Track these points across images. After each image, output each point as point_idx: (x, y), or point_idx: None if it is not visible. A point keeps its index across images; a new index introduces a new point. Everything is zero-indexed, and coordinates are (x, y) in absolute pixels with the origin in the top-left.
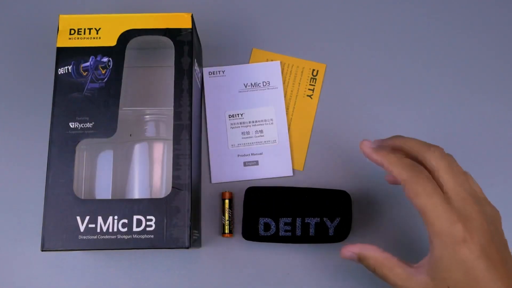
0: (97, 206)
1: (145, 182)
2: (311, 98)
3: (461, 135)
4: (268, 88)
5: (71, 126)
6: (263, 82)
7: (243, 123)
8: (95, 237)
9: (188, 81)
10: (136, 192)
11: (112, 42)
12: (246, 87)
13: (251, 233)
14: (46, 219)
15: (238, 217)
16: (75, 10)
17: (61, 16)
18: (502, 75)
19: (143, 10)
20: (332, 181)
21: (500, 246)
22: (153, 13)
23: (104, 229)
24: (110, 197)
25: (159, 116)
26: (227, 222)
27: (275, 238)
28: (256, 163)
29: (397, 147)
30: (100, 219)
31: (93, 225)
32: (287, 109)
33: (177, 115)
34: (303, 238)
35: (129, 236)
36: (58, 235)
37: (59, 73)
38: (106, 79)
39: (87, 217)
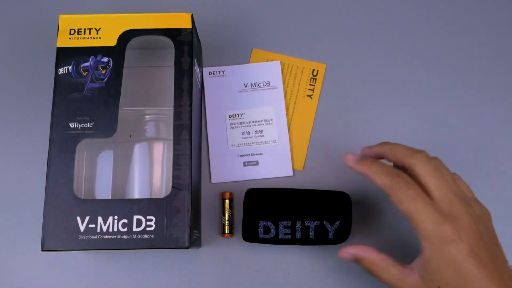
0: (97, 206)
1: (145, 182)
2: (311, 98)
3: (462, 135)
4: (268, 88)
5: (71, 126)
6: (263, 82)
7: (243, 123)
8: (95, 237)
9: (188, 81)
10: (136, 192)
11: (112, 42)
12: (246, 87)
13: (251, 236)
14: (46, 219)
15: (238, 217)
16: (75, 10)
17: (61, 16)
18: (504, 76)
19: (143, 10)
20: (332, 181)
21: (490, 244)
22: (153, 13)
23: (104, 229)
24: (110, 197)
25: (159, 116)
26: (227, 222)
27: (275, 241)
28: (256, 163)
29: (383, 154)
30: (100, 219)
31: (93, 225)
32: (287, 109)
33: (177, 115)
34: (303, 241)
35: (129, 236)
36: (58, 235)
37: (59, 73)
38: (106, 79)
39: (87, 217)
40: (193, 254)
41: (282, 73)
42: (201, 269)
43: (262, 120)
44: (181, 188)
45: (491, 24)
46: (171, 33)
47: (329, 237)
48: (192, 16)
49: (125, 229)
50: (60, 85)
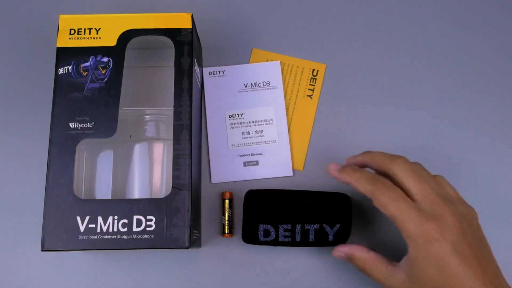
0: (97, 206)
1: (145, 182)
2: (311, 98)
3: (462, 135)
4: (268, 88)
5: (71, 126)
6: (263, 82)
7: (243, 123)
8: (95, 237)
9: (188, 81)
10: (136, 192)
11: (112, 42)
12: (246, 87)
13: (251, 238)
14: (46, 219)
15: (238, 217)
16: (75, 10)
17: (61, 16)
18: (505, 76)
19: (143, 10)
20: (332, 181)
21: (474, 242)
22: (153, 13)
23: (104, 229)
24: (110, 197)
25: (159, 116)
26: (227, 222)
27: (275, 243)
28: (256, 163)
29: (366, 163)
30: (100, 219)
31: (93, 225)
32: (287, 109)
33: (177, 115)
34: (303, 244)
35: (129, 236)
36: (58, 235)
37: (59, 73)
38: (106, 79)
39: (87, 217)
40: (193, 254)
41: (282, 73)
42: (201, 269)
43: (262, 120)
44: (181, 188)
45: (492, 24)
46: (171, 33)
47: (329, 240)
48: (192, 16)
49: (125, 229)
50: (60, 85)
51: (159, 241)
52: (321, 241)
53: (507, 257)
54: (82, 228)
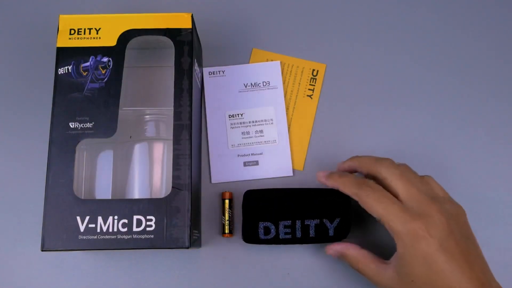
0: (97, 206)
1: (145, 182)
2: (311, 98)
3: (462, 134)
4: (268, 88)
5: (71, 126)
6: (263, 82)
7: (243, 123)
8: (95, 237)
9: (188, 81)
10: (136, 192)
11: (112, 42)
12: (246, 87)
13: (251, 237)
14: (46, 219)
15: (238, 217)
16: (75, 10)
17: (61, 16)
18: (506, 77)
19: (143, 10)
20: None
21: (461, 239)
22: (153, 13)
23: (104, 229)
24: (110, 197)
25: (159, 116)
26: (227, 222)
27: (276, 241)
28: (256, 163)
29: (354, 168)
30: (100, 219)
31: (93, 225)
32: (287, 109)
33: (177, 115)
34: (303, 240)
35: (129, 236)
36: (58, 235)
37: (59, 73)
38: (106, 79)
39: (87, 217)
40: (193, 254)
41: (282, 73)
42: (201, 269)
43: (262, 120)
44: (181, 188)
45: (493, 24)
46: (171, 33)
47: (329, 235)
48: (192, 16)
49: (125, 229)
50: (60, 85)
51: (159, 241)
52: (322, 237)
53: (499, 256)
54: (82, 228)
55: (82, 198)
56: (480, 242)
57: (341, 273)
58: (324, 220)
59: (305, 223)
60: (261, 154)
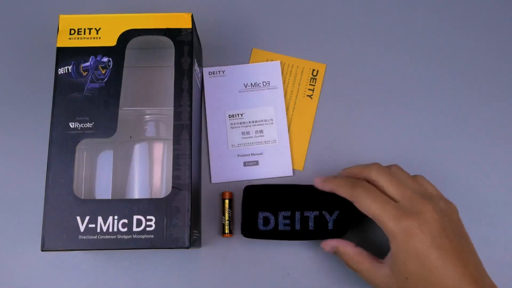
0: (97, 206)
1: (145, 182)
2: (311, 98)
3: (462, 134)
4: (268, 88)
5: (71, 126)
6: (263, 82)
7: (243, 123)
8: (95, 237)
9: (188, 81)
10: (136, 192)
11: (112, 42)
12: (246, 87)
13: (250, 229)
14: (46, 219)
15: (238, 217)
16: (75, 10)
17: (61, 16)
18: (506, 76)
19: (143, 10)
20: None
21: (454, 236)
22: (153, 13)
23: (104, 229)
24: (110, 197)
25: (159, 116)
26: (227, 222)
27: (274, 233)
28: (256, 163)
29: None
30: (100, 219)
31: (93, 225)
32: (287, 109)
33: (177, 115)
34: (303, 232)
35: (129, 236)
36: (58, 235)
37: (59, 73)
38: (106, 79)
39: (87, 217)
40: (193, 254)
41: (282, 73)
42: (201, 269)
43: (262, 120)
44: (181, 188)
45: (493, 24)
46: (171, 33)
47: (329, 228)
48: (192, 16)
49: (125, 229)
50: (60, 85)
51: (159, 241)
52: (321, 230)
53: (494, 255)
54: (82, 228)
55: (82, 198)
56: (475, 242)
57: (341, 273)
58: (324, 212)
59: (305, 215)
60: (261, 154)
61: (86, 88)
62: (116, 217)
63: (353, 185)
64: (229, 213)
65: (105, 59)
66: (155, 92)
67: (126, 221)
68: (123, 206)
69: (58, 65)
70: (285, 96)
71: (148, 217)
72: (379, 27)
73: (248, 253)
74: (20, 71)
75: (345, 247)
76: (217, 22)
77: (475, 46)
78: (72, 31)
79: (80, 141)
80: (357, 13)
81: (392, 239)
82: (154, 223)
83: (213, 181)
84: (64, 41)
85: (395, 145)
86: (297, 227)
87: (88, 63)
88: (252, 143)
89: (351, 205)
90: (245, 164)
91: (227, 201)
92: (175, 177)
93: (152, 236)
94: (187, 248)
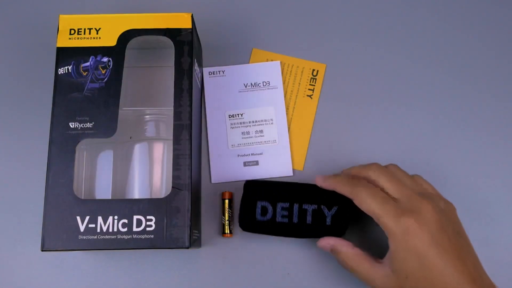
0: (97, 206)
1: (145, 182)
2: (311, 98)
3: (462, 134)
4: (268, 88)
5: (71, 126)
6: (263, 82)
7: (243, 123)
8: (95, 237)
9: (188, 81)
10: (136, 192)
11: (112, 42)
12: (246, 87)
13: (247, 218)
14: (46, 219)
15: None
16: (75, 10)
17: (61, 16)
18: (506, 76)
19: (143, 10)
20: None
21: (453, 234)
22: (153, 13)
23: (104, 229)
24: (110, 197)
25: (159, 116)
26: (227, 222)
27: (272, 225)
28: (256, 163)
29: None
30: (100, 219)
31: (93, 225)
32: (287, 109)
33: (177, 115)
34: (300, 226)
35: (129, 236)
36: (58, 235)
37: (59, 73)
38: (106, 79)
39: (87, 217)
40: (193, 254)
41: (282, 73)
42: (201, 269)
43: (262, 120)
44: (181, 188)
45: (493, 24)
46: (171, 33)
47: (327, 224)
48: (192, 16)
49: (125, 229)
50: (60, 85)
51: (159, 241)
52: (319, 225)
53: (492, 255)
54: (82, 228)
55: (82, 198)
56: (474, 242)
57: (341, 273)
58: (322, 206)
59: (303, 207)
60: (261, 154)
61: (86, 88)
62: (116, 217)
63: (353, 183)
64: (229, 213)
65: (105, 59)
66: (155, 92)
67: (126, 221)
68: (123, 206)
69: (58, 65)
70: (285, 96)
71: (148, 217)
72: (379, 27)
73: (248, 253)
74: (20, 71)
75: (344, 247)
76: (217, 22)
77: (475, 46)
78: (72, 31)
79: (80, 141)
80: (357, 13)
81: (391, 237)
82: (154, 223)
83: (213, 181)
84: (64, 41)
85: (395, 145)
86: (295, 219)
87: (88, 63)
88: (252, 143)
89: (351, 203)
90: (245, 164)
91: (227, 201)
92: (175, 177)
93: (152, 236)
94: (187, 248)
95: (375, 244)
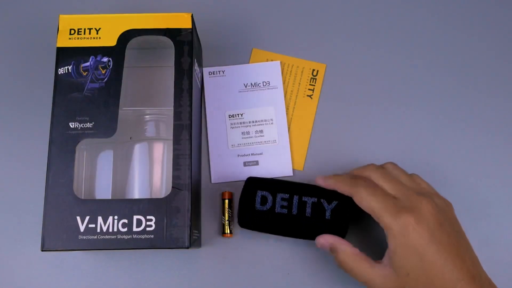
0: (97, 206)
1: (145, 182)
2: (311, 98)
3: (462, 134)
4: (268, 88)
5: (71, 126)
6: (263, 82)
7: (243, 123)
8: (95, 237)
9: (188, 81)
10: (136, 192)
11: (112, 42)
12: (246, 87)
13: (247, 209)
14: (46, 219)
15: None
16: (75, 10)
17: (61, 16)
18: (506, 76)
19: (143, 10)
20: None
21: (452, 232)
22: (153, 13)
23: (104, 229)
24: (110, 197)
25: (159, 116)
26: (227, 222)
27: (271, 215)
28: (256, 163)
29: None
30: (100, 219)
31: (93, 225)
32: (287, 109)
33: (177, 115)
34: (299, 219)
35: (129, 236)
36: (58, 235)
37: (59, 73)
38: (106, 79)
39: (87, 217)
40: (193, 254)
41: (282, 73)
42: (201, 269)
43: (262, 120)
44: (181, 188)
45: (493, 24)
46: (171, 33)
47: (326, 217)
48: (192, 16)
49: (125, 229)
50: (60, 85)
51: (159, 241)
52: (318, 217)
53: (490, 254)
54: (82, 228)
55: (82, 198)
56: (474, 241)
57: (341, 273)
58: (322, 200)
59: (303, 199)
60: (261, 154)
61: (86, 88)
62: (116, 217)
63: (353, 181)
64: (229, 213)
65: (105, 59)
66: (155, 92)
67: (126, 221)
68: (123, 206)
69: (58, 65)
70: (285, 96)
71: (148, 217)
72: (379, 27)
73: (248, 253)
74: (20, 71)
75: (342, 245)
76: (217, 22)
77: (475, 46)
78: (72, 31)
79: (80, 141)
80: (357, 13)
81: (390, 234)
82: (154, 223)
83: (213, 181)
84: (64, 41)
85: (395, 145)
86: (294, 211)
87: (88, 63)
88: (252, 143)
89: (351, 202)
90: (245, 164)
91: (227, 201)
92: (175, 177)
93: (152, 236)
94: (187, 248)
95: (375, 245)
